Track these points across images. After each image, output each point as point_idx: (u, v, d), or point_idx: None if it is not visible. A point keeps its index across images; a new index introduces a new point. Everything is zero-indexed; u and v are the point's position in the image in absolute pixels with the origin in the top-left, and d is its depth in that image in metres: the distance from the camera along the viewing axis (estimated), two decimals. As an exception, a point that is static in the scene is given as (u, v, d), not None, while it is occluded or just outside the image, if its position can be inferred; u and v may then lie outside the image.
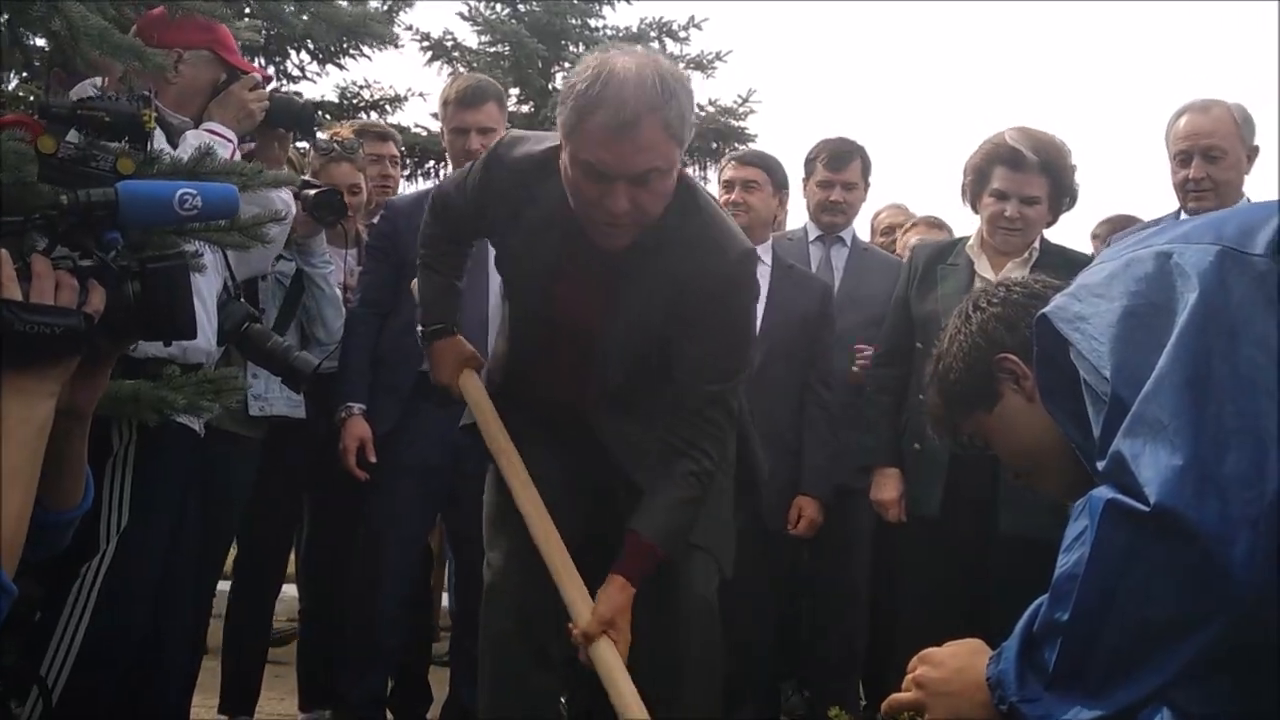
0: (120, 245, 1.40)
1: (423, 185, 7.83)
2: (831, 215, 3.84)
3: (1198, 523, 1.19)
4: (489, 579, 2.32)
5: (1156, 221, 3.26)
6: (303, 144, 3.39)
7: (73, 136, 1.69)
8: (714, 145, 8.36)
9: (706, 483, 2.18)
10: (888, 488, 3.27)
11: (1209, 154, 3.29)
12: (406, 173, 7.30)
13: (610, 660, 2.07)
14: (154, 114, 1.81)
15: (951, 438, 1.76)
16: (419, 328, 2.51)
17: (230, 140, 2.60)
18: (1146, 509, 1.22)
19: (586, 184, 2.02)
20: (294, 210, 2.86)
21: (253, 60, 6.81)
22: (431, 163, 8.27)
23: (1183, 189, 3.34)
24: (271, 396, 3.20)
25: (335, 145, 3.54)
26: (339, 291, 3.38)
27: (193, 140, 2.53)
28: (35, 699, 2.38)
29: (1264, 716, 1.53)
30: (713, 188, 3.94)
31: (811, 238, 3.91)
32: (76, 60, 2.15)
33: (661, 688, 2.19)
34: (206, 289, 2.62)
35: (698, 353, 2.16)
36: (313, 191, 3.13)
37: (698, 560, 2.27)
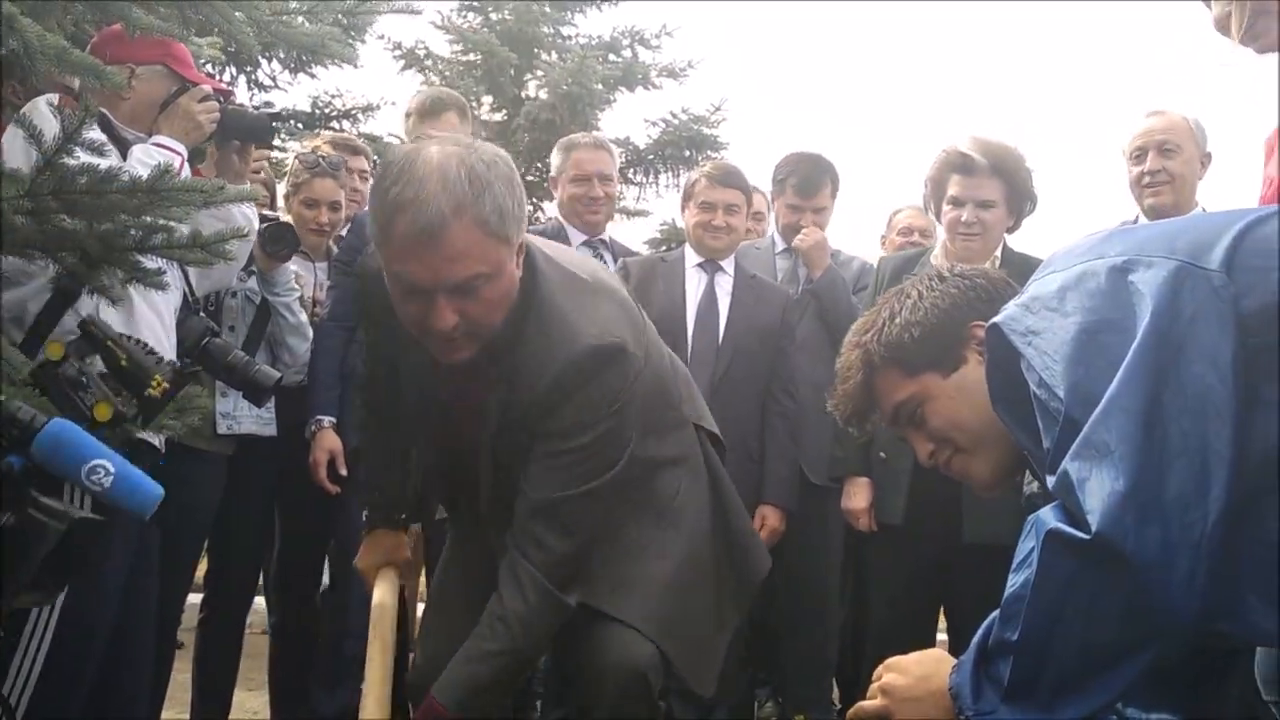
0: (15, 471, 1.40)
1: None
2: None
3: (1136, 552, 1.22)
4: (413, 668, 2.17)
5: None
6: (278, 154, 3.39)
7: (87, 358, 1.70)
8: (687, 153, 8.40)
9: (518, 631, 1.82)
10: (858, 497, 3.30)
11: (1164, 148, 3.36)
12: (379, 182, 7.27)
13: None
14: (164, 381, 1.77)
15: (859, 401, 1.69)
16: (364, 512, 2.32)
17: (179, 153, 2.58)
18: (1087, 537, 1.24)
19: (405, 300, 1.76)
20: (256, 224, 2.86)
21: (222, 70, 6.82)
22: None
23: (1139, 184, 3.39)
24: (240, 415, 3.20)
25: (320, 160, 3.54)
26: (305, 317, 3.36)
27: (139, 154, 2.51)
28: (-1, 718, 2.36)
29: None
30: (674, 196, 3.93)
31: (778, 249, 3.94)
32: (32, 78, 2.14)
33: None
34: (164, 304, 2.62)
35: (536, 454, 1.85)
36: (263, 225, 3.10)
37: (618, 632, 1.94)
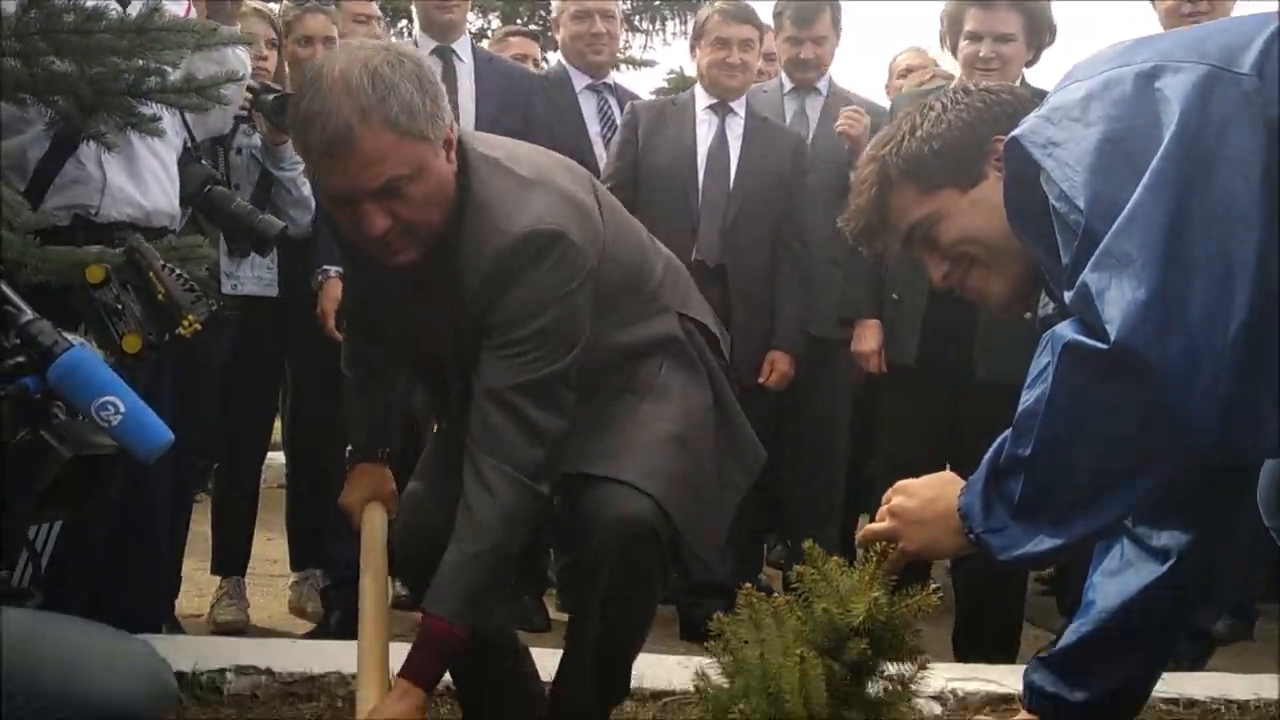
0: (30, 394, 1.40)
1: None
2: (804, 71, 3.77)
3: (1157, 361, 1.19)
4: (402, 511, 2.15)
5: None
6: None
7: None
8: (692, -8, 8.18)
9: (494, 528, 1.78)
10: (868, 339, 3.31)
11: None
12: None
13: None
14: (196, 322, 1.74)
15: (871, 217, 1.64)
16: (347, 448, 2.27)
17: None
18: (1106, 347, 1.22)
19: (336, 210, 1.78)
20: (250, 69, 2.79)
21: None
22: (404, 22, 8.08)
23: (1178, 14, 3.26)
24: (241, 275, 3.19)
25: None
26: (308, 190, 3.27)
27: None
28: (25, 563, 2.41)
29: (1220, 547, 1.58)
30: (682, 44, 3.81)
31: (786, 90, 3.84)
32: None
33: (576, 617, 2.03)
34: (166, 151, 2.58)
35: (488, 346, 1.81)
36: (271, 96, 3.00)
37: (615, 489, 1.87)
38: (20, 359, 1.44)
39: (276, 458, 4.25)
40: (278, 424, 4.11)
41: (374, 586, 2.03)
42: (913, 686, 1.48)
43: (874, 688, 1.45)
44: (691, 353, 2.04)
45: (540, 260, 1.76)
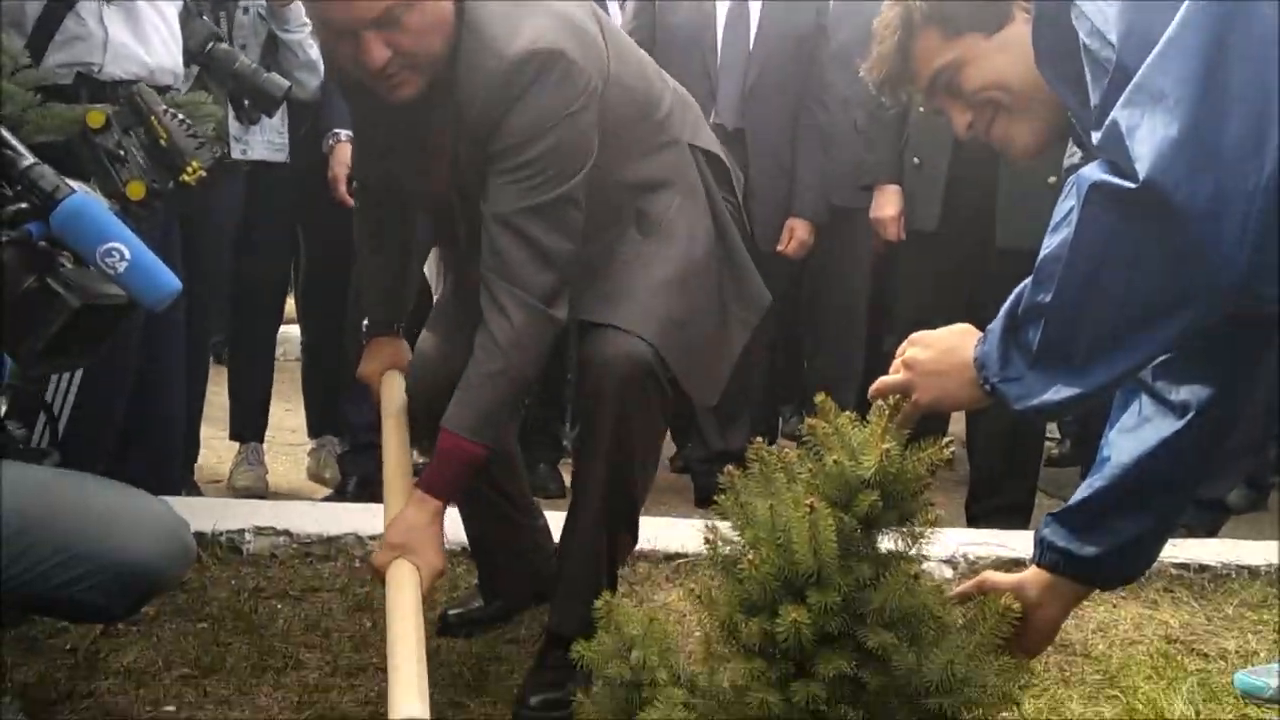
0: (33, 239, 1.37)
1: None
2: None
3: (1187, 201, 1.15)
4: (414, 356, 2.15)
5: None
6: None
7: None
8: None
9: (508, 349, 1.79)
10: (888, 204, 3.26)
11: None
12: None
13: (398, 581, 1.73)
14: (201, 168, 1.70)
15: (895, 65, 1.56)
16: (364, 322, 2.27)
17: None
18: (1134, 186, 1.17)
19: (336, 44, 1.77)
20: None
21: None
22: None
23: None
24: (251, 140, 3.13)
25: None
26: (315, 53, 3.18)
27: None
28: (43, 425, 2.43)
29: (1241, 403, 1.55)
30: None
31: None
32: None
33: (579, 463, 2.01)
34: (166, 6, 2.52)
35: (493, 172, 1.79)
36: None
37: (611, 333, 1.87)
38: (23, 205, 1.42)
39: (292, 331, 4.26)
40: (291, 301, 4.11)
41: (395, 425, 2.06)
42: (923, 545, 1.46)
43: (884, 542, 1.44)
44: (699, 188, 2.02)
45: (540, 81, 1.74)
